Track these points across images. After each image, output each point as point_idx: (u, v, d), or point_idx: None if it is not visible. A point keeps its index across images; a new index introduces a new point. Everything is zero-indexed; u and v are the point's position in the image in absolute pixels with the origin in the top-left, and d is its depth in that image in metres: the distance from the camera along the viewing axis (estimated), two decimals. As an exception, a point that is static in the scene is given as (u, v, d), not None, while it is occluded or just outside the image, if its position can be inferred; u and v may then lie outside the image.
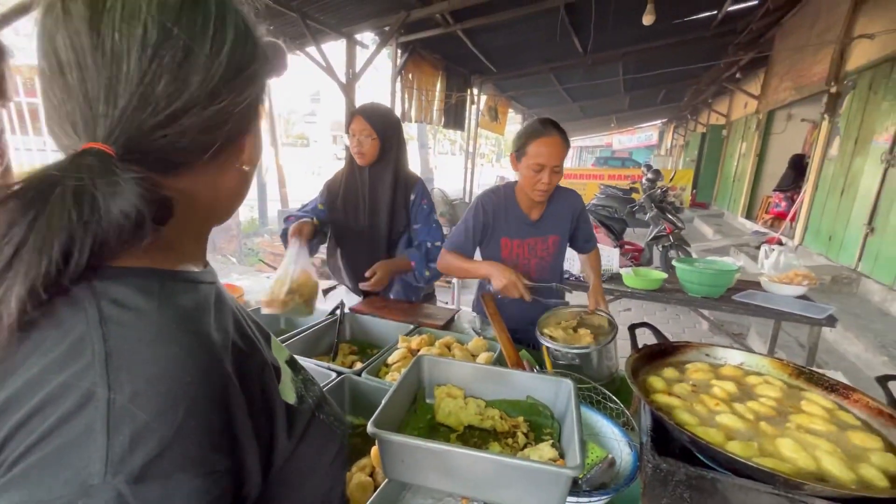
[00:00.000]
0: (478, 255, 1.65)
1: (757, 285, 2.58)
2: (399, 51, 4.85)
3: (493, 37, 5.11)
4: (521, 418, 1.01)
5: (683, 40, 5.95)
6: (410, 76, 5.39)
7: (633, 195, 6.92)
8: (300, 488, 0.44)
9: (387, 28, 4.29)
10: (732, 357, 1.02)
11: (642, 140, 22.75)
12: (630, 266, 3.14)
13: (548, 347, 1.32)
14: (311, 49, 4.10)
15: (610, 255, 2.87)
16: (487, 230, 1.59)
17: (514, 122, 13.32)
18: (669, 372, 0.95)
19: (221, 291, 0.45)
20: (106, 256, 0.33)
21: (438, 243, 1.82)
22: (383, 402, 0.86)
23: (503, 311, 1.62)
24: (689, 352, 1.04)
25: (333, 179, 1.81)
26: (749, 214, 8.43)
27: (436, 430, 0.97)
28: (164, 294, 0.36)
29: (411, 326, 1.54)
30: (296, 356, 1.29)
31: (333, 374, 1.20)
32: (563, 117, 13.35)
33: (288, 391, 0.45)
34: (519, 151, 1.49)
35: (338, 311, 1.61)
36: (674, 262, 2.52)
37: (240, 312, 0.46)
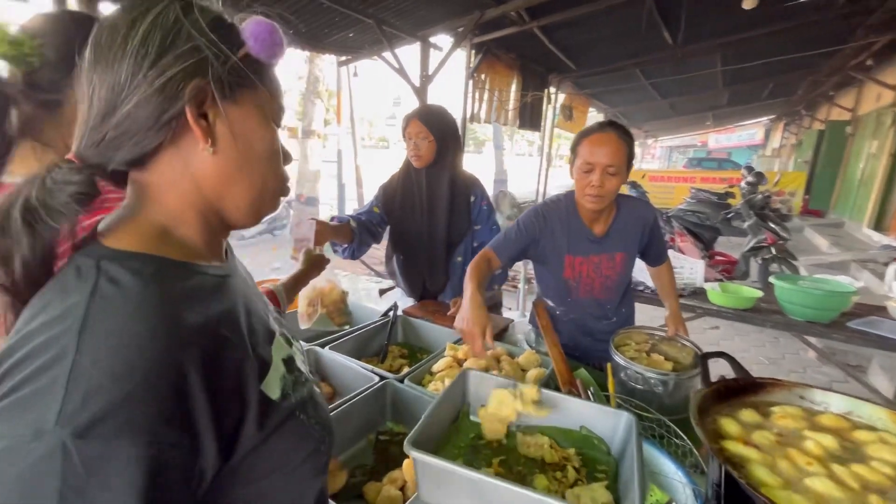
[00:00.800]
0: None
1: (882, 311, 2.15)
2: (473, 52, 4.82)
3: (571, 33, 4.87)
4: (572, 450, 0.91)
5: (797, 24, 5.19)
6: (483, 76, 5.33)
7: (730, 200, 6.22)
8: (264, 480, 0.46)
9: (460, 29, 4.29)
10: (837, 403, 0.83)
11: (744, 139, 20.50)
12: (721, 280, 2.81)
13: (622, 366, 1.19)
14: (388, 54, 4.23)
15: (693, 268, 2.58)
16: (543, 243, 1.44)
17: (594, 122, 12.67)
18: (748, 415, 0.80)
19: (227, 287, 0.48)
20: (89, 229, 0.42)
21: None
22: (423, 418, 0.83)
23: (558, 325, 1.51)
24: (778, 391, 0.87)
25: (389, 182, 1.82)
26: (878, 225, 7.18)
27: (478, 451, 0.91)
28: (154, 277, 0.40)
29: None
30: (345, 356, 1.31)
31: (376, 378, 1.19)
32: (649, 115, 12.45)
33: (273, 386, 0.47)
34: (572, 154, 1.37)
35: (391, 313, 1.61)
36: (772, 279, 2.19)
37: (245, 308, 0.49)
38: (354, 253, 1.72)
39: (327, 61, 5.75)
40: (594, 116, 11.41)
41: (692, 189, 6.80)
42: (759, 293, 2.26)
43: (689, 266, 2.58)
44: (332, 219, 1.70)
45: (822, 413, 0.81)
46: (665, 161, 27.51)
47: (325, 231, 1.48)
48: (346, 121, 7.33)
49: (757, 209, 4.64)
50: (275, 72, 0.50)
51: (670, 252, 2.82)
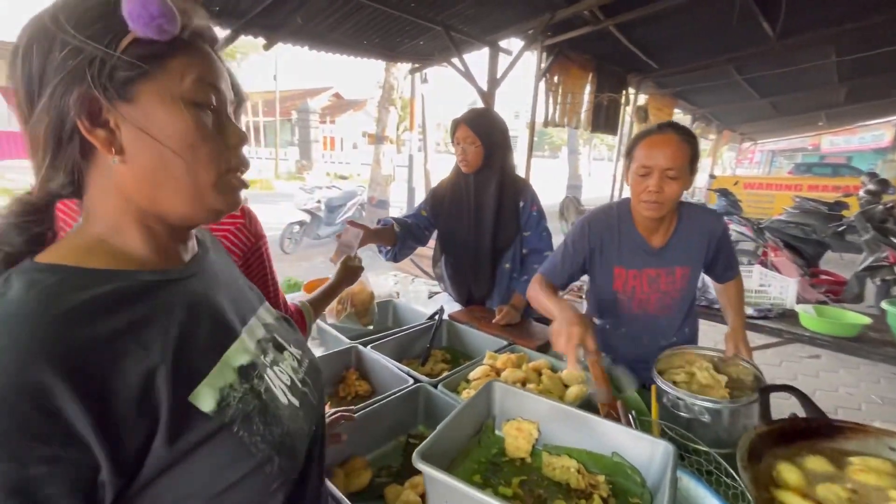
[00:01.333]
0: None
1: None
2: (545, 54, 4.69)
3: (652, 29, 4.53)
4: (602, 478, 0.84)
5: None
6: (556, 78, 5.17)
7: (843, 212, 5.42)
8: (188, 500, 0.41)
9: (530, 32, 4.20)
10: (942, 461, 0.67)
11: (867, 141, 17.75)
12: (825, 302, 2.43)
13: (666, 392, 1.08)
14: (457, 60, 4.27)
15: (783, 286, 2.26)
16: (594, 257, 1.36)
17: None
18: (815, 462, 0.68)
19: (165, 291, 0.45)
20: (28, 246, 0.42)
21: (548, 253, 1.69)
22: (438, 429, 0.80)
23: (611, 339, 1.42)
24: (861, 438, 0.73)
25: (439, 186, 1.83)
26: None
27: (498, 468, 0.88)
28: (47, 289, 0.38)
29: (504, 343, 1.45)
30: (383, 356, 1.33)
31: (410, 381, 1.20)
32: (745, 116, 11.27)
33: (205, 397, 0.43)
34: (627, 158, 1.26)
35: (436, 317, 1.62)
36: (884, 304, 1.86)
37: (190, 313, 0.45)
38: (396, 256, 1.75)
39: (402, 69, 5.95)
40: (679, 118, 10.57)
41: (796, 198, 6.03)
42: (867, 320, 1.92)
43: (777, 284, 2.27)
44: (378, 221, 1.75)
45: (919, 471, 0.66)
46: (766, 167, 24.64)
47: (367, 235, 1.52)
48: (418, 126, 7.54)
49: (876, 222, 3.99)
50: (197, 42, 0.45)
51: (760, 268, 2.51)
